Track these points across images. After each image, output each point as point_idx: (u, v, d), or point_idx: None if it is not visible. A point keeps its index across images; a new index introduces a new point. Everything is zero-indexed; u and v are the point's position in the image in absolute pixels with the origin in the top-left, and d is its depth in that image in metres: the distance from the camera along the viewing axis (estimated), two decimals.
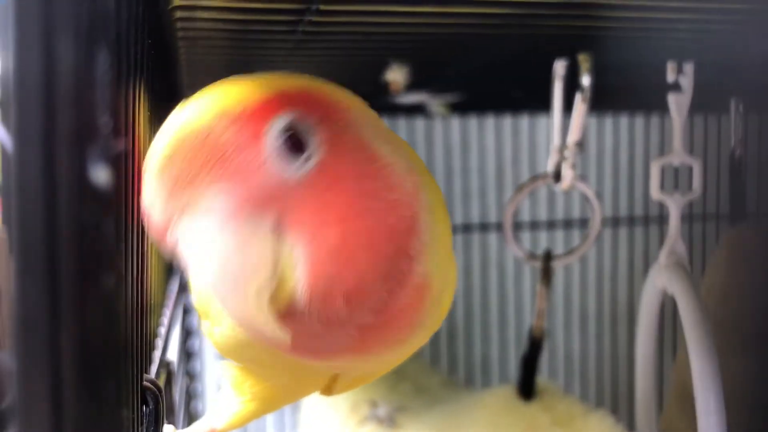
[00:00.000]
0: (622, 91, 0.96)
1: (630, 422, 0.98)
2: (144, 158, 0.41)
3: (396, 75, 0.78)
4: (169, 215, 0.39)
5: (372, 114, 0.46)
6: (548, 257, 0.91)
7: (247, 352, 0.51)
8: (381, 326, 0.44)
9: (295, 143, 0.40)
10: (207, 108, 0.40)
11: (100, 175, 0.28)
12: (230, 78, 0.43)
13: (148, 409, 0.45)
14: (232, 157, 0.38)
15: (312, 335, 0.42)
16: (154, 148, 0.40)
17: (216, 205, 0.38)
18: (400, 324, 0.46)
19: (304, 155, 0.40)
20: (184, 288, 0.87)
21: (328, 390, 0.57)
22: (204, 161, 0.38)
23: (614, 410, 1.24)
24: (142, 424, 0.44)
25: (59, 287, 0.27)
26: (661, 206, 0.78)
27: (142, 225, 0.42)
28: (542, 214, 1.29)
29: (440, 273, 0.48)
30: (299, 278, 0.39)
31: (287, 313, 0.40)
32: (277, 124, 0.40)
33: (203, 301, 0.54)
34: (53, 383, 0.27)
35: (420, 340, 0.51)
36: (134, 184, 0.40)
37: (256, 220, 0.38)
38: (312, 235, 0.39)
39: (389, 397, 1.01)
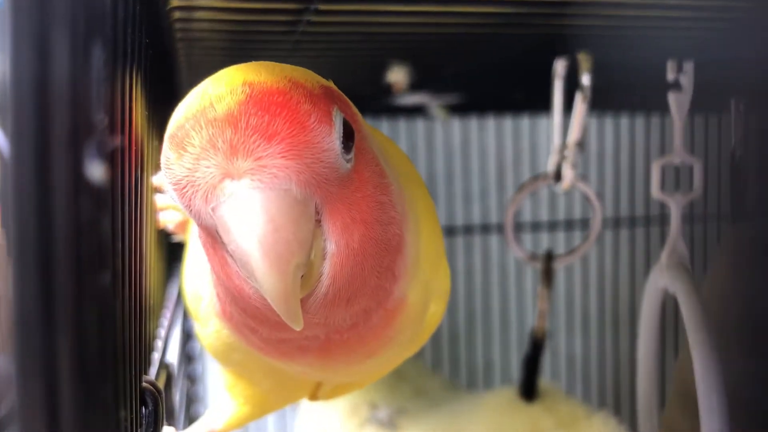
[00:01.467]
0: (623, 91, 0.96)
1: (633, 423, 0.98)
2: (140, 158, 0.41)
3: (398, 75, 0.78)
4: (226, 173, 0.36)
5: (375, 130, 0.47)
6: (549, 257, 0.91)
7: (233, 355, 0.51)
8: (346, 339, 0.45)
9: (345, 139, 0.39)
10: (278, 74, 0.39)
11: (96, 175, 0.28)
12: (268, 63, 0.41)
13: (147, 411, 0.45)
14: (312, 128, 0.37)
15: (283, 327, 0.41)
16: (211, 92, 0.38)
17: (282, 174, 0.36)
18: (365, 340, 0.46)
19: (351, 152, 0.40)
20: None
21: (313, 396, 0.58)
22: (284, 123, 0.36)
23: (617, 411, 1.24)
24: (141, 425, 0.44)
25: (55, 288, 0.27)
26: (662, 206, 0.78)
27: (139, 225, 0.42)
28: (543, 215, 1.29)
29: (422, 292, 0.48)
30: (325, 271, 0.39)
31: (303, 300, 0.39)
32: (339, 113, 0.39)
33: (193, 302, 0.54)
34: (50, 384, 0.27)
35: (396, 354, 0.51)
36: (131, 184, 0.40)
37: (310, 199, 0.38)
38: (342, 230, 0.39)
39: (389, 400, 1.01)
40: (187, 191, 0.37)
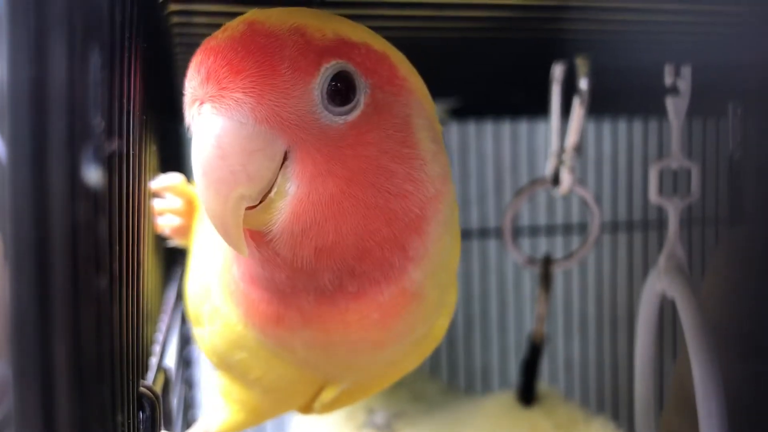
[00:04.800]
0: (621, 95, 0.96)
1: (631, 427, 0.98)
2: (138, 162, 0.41)
3: None
4: (197, 96, 0.39)
5: (432, 107, 0.47)
6: (547, 262, 0.91)
7: (236, 356, 0.51)
8: (361, 308, 0.44)
9: (339, 93, 0.40)
10: (289, 17, 0.40)
11: (93, 178, 0.28)
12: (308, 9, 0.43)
13: (144, 415, 0.45)
14: (281, 73, 0.39)
15: (272, 275, 0.43)
16: (228, 24, 0.40)
17: (238, 106, 0.38)
18: (382, 313, 0.45)
19: (346, 107, 0.41)
20: (181, 296, 0.86)
21: (307, 409, 0.57)
22: (254, 62, 0.38)
23: (615, 415, 1.23)
24: (138, 429, 0.44)
25: (52, 292, 0.27)
26: (660, 210, 0.78)
27: (137, 229, 0.42)
28: (541, 219, 1.29)
29: (439, 291, 0.48)
30: (282, 209, 0.40)
31: (260, 234, 0.41)
32: (335, 67, 0.40)
33: (196, 303, 0.54)
34: (47, 388, 0.27)
35: (401, 356, 0.51)
36: (128, 188, 0.40)
37: (274, 137, 0.39)
38: (313, 176, 0.40)
39: (386, 404, 1.01)
40: (184, 107, 0.41)
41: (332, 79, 0.40)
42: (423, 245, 0.44)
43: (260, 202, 0.40)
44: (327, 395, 0.54)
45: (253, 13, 0.41)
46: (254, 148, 0.38)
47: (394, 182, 0.42)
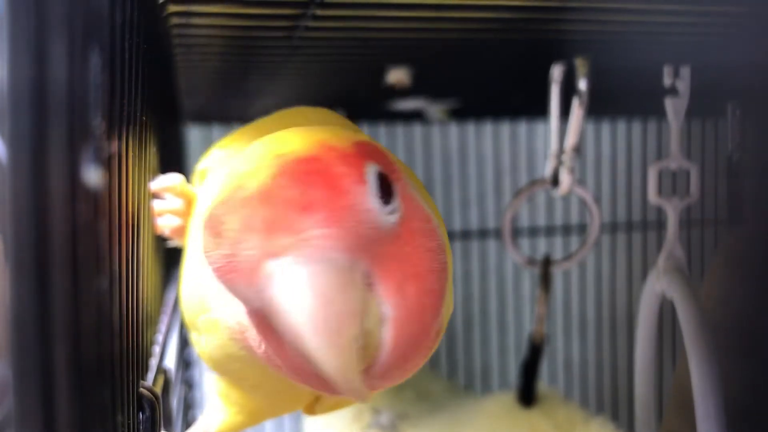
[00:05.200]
0: (620, 96, 0.96)
1: (630, 428, 0.98)
2: (138, 163, 0.40)
3: (398, 75, 0.78)
4: (266, 253, 0.34)
5: (412, 173, 0.45)
6: (547, 262, 0.91)
7: (233, 365, 0.51)
8: (394, 369, 0.44)
9: (384, 194, 0.37)
10: (310, 139, 0.37)
11: (93, 180, 0.28)
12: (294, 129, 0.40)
13: (144, 416, 0.45)
14: (347, 191, 0.35)
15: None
16: (241, 170, 0.37)
17: (325, 244, 0.34)
18: (410, 366, 0.45)
19: (391, 206, 0.38)
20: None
21: (310, 409, 0.57)
22: (319, 191, 0.35)
23: (614, 416, 1.23)
24: (138, 430, 0.44)
25: (52, 293, 0.27)
26: (659, 211, 0.78)
27: (136, 230, 0.42)
28: (541, 220, 1.29)
29: (448, 310, 0.48)
30: (385, 337, 0.37)
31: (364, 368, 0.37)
32: (373, 169, 0.37)
33: (192, 312, 0.53)
34: (46, 389, 0.27)
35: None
36: (128, 189, 0.40)
37: (355, 266, 0.35)
38: (396, 290, 0.37)
39: (392, 405, 1.01)
40: (230, 276, 0.36)
41: (377, 183, 0.37)
42: (445, 302, 0.43)
43: None
44: (327, 398, 0.54)
45: (263, 148, 0.38)
46: (347, 281, 0.35)
47: (439, 259, 0.40)
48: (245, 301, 0.37)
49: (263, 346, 0.44)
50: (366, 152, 0.38)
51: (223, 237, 0.35)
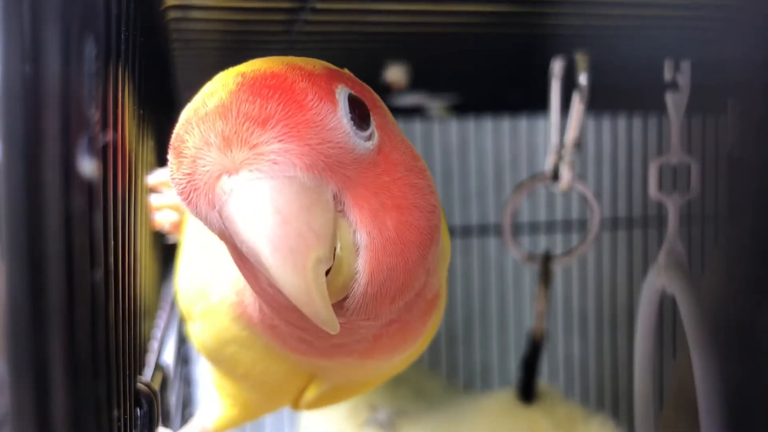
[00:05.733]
0: (620, 91, 0.95)
1: (631, 425, 0.98)
2: (133, 156, 0.40)
3: (396, 74, 0.78)
4: (222, 168, 0.33)
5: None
6: (547, 258, 0.91)
7: (227, 350, 0.50)
8: (392, 333, 0.43)
9: (357, 117, 0.36)
10: (275, 61, 0.36)
11: (88, 171, 0.28)
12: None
13: (142, 412, 0.45)
14: (310, 106, 0.34)
15: (343, 331, 0.39)
16: (205, 91, 0.36)
17: (282, 159, 0.33)
18: (408, 333, 0.44)
19: (366, 132, 0.37)
20: None
21: (296, 404, 0.56)
22: (278, 105, 0.33)
23: (615, 413, 1.23)
24: (135, 426, 0.44)
25: (46, 286, 0.26)
26: (660, 206, 0.78)
27: (132, 223, 0.42)
28: (541, 216, 1.29)
29: (443, 290, 0.47)
30: (360, 266, 0.36)
31: (336, 300, 0.36)
32: (344, 91, 0.36)
33: (189, 301, 0.53)
34: (42, 384, 0.27)
35: (415, 353, 0.51)
36: (123, 182, 0.40)
37: (322, 185, 0.34)
38: (372, 218, 0.36)
39: (389, 401, 1.01)
40: (192, 198, 0.35)
41: (348, 104, 0.36)
42: (437, 252, 0.42)
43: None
44: (310, 393, 0.54)
45: (230, 70, 0.37)
46: (310, 201, 0.33)
47: (425, 198, 0.39)
48: (209, 224, 0.36)
49: (261, 308, 0.43)
50: (338, 76, 0.37)
51: (183, 155, 0.34)
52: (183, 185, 0.35)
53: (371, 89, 0.41)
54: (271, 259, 0.33)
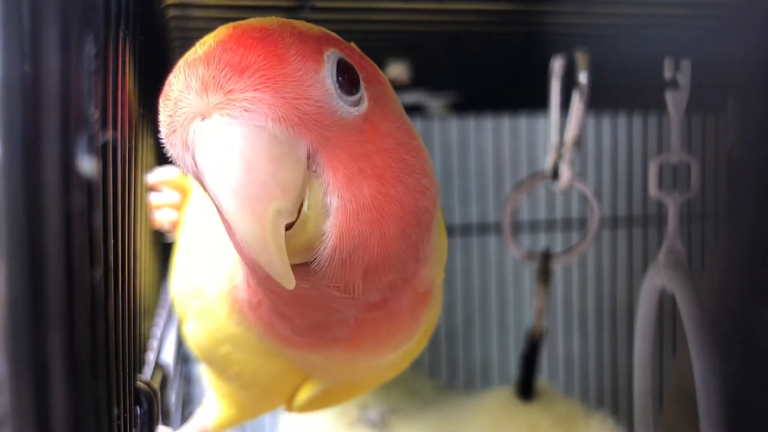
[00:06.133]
0: (620, 89, 0.95)
1: (630, 423, 0.98)
2: (133, 154, 0.40)
3: (397, 71, 0.78)
4: (197, 111, 0.34)
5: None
6: (547, 257, 0.91)
7: (220, 350, 0.50)
8: (378, 321, 0.42)
9: (346, 82, 0.36)
10: (273, 19, 0.37)
11: (88, 169, 0.27)
12: None
13: (142, 410, 0.45)
14: (290, 61, 0.34)
15: (314, 305, 0.39)
16: (201, 41, 0.36)
17: (254, 108, 0.33)
18: (396, 324, 0.44)
19: (355, 97, 0.37)
20: None
21: (289, 405, 0.55)
22: (258, 56, 0.34)
23: (615, 411, 1.23)
24: (135, 424, 0.44)
25: (46, 285, 0.26)
26: (660, 205, 0.78)
27: (132, 221, 0.42)
28: (541, 215, 1.29)
29: (438, 287, 0.47)
30: (329, 228, 0.35)
31: (300, 268, 0.36)
32: (335, 55, 0.36)
33: (184, 300, 0.53)
34: (41, 382, 0.27)
35: (402, 356, 0.50)
36: (123, 180, 0.40)
37: (295, 140, 0.34)
38: (348, 181, 0.35)
39: (380, 400, 1.00)
40: (171, 140, 0.35)
41: (336, 68, 0.36)
42: (430, 243, 0.41)
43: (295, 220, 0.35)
44: (303, 394, 0.53)
45: (227, 25, 0.37)
46: (280, 153, 0.33)
47: (415, 177, 0.38)
48: (185, 166, 0.36)
49: (248, 283, 0.43)
50: (335, 42, 0.38)
51: (168, 98, 0.35)
52: (165, 128, 0.35)
53: (375, 66, 0.41)
54: (230, 203, 0.33)
